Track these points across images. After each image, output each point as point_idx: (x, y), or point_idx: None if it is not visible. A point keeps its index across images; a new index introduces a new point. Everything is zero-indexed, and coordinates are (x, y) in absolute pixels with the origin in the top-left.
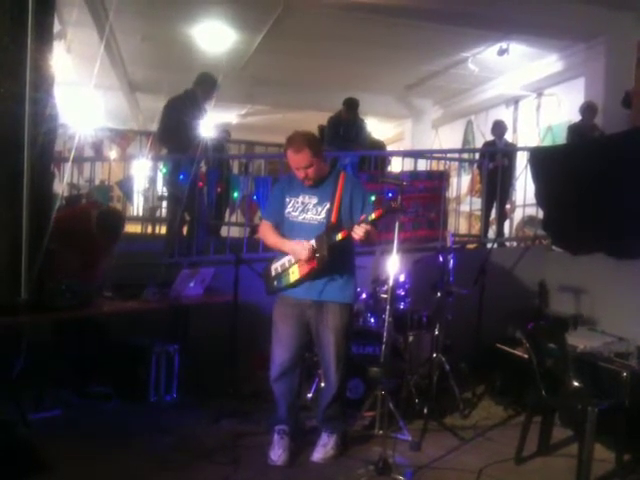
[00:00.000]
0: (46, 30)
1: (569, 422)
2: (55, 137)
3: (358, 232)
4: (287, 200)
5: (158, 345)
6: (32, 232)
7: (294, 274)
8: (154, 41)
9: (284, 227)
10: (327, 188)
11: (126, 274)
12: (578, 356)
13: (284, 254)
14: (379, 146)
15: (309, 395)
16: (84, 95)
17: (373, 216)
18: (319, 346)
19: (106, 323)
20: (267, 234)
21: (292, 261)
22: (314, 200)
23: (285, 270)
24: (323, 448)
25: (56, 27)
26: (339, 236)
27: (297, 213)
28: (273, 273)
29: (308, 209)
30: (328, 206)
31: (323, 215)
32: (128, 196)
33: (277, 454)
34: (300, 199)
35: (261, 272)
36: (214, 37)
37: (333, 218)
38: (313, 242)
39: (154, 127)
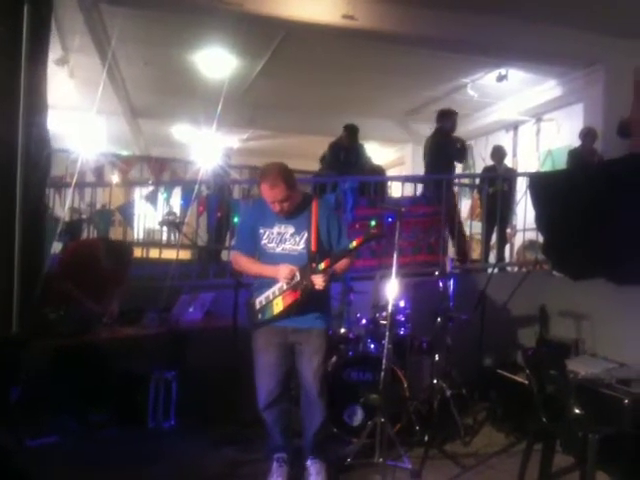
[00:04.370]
0: (41, 55)
1: (571, 449)
2: (48, 166)
3: (318, 282)
4: (261, 231)
5: (156, 371)
6: (24, 267)
7: (278, 305)
8: (156, 67)
9: (263, 259)
10: (302, 217)
11: (126, 299)
12: (579, 382)
13: (266, 286)
14: (379, 171)
15: None
16: (86, 120)
17: (354, 244)
18: (302, 371)
19: (105, 349)
20: (246, 264)
21: (276, 293)
22: (290, 230)
23: (269, 302)
24: (315, 479)
25: (59, 53)
26: (322, 266)
27: (274, 244)
28: (258, 306)
29: (285, 239)
30: (306, 235)
31: (302, 245)
32: (129, 221)
33: None
34: (275, 230)
35: (245, 305)
36: (216, 63)
37: (313, 247)
38: (297, 274)
39: (155, 152)
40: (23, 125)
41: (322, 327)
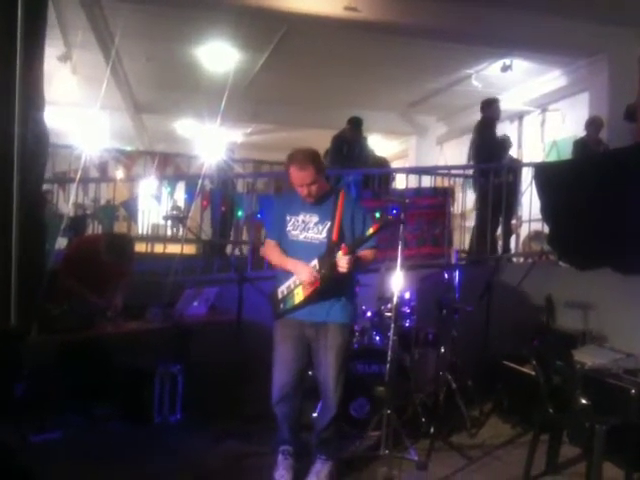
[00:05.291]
0: (38, 49)
1: (577, 440)
2: (46, 159)
3: (342, 264)
4: (287, 218)
5: (161, 366)
6: (22, 260)
7: (298, 295)
8: (159, 62)
9: (285, 245)
10: (327, 206)
11: (130, 294)
12: (586, 373)
13: (288, 276)
14: (382, 163)
15: (314, 414)
16: (90, 116)
17: (371, 231)
18: (318, 366)
19: (109, 343)
20: (271, 252)
21: (297, 282)
22: (315, 219)
23: (290, 292)
24: (315, 476)
25: (61, 49)
26: (340, 254)
27: (298, 232)
28: (280, 296)
29: (309, 228)
30: (329, 225)
31: (324, 234)
32: (133, 216)
33: (281, 474)
34: (301, 217)
35: (269, 296)
36: (218, 57)
37: (334, 236)
38: (316, 262)
39: (159, 147)
40: (20, 121)
41: (340, 322)
